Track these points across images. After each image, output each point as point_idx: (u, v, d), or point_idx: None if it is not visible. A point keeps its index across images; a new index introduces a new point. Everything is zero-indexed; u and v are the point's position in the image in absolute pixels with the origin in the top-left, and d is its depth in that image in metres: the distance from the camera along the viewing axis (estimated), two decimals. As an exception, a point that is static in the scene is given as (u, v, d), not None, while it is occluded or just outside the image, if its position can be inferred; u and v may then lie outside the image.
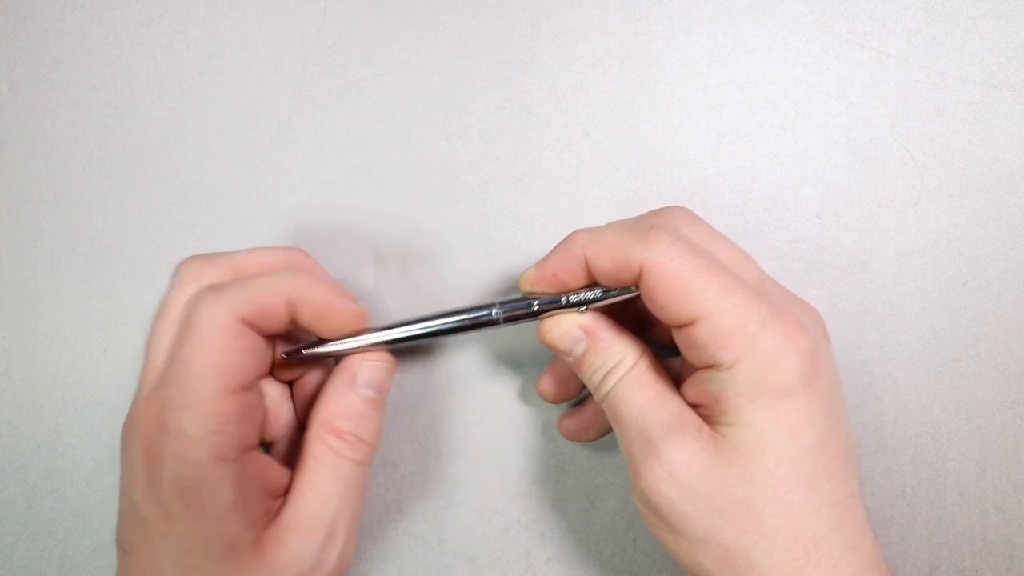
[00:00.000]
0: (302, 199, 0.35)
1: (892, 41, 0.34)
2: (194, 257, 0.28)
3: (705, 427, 0.25)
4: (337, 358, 0.29)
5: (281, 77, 0.35)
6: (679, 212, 0.28)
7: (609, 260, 0.26)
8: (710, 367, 0.25)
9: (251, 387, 0.27)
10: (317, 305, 0.27)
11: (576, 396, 0.33)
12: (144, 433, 0.25)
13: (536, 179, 0.35)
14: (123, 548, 0.26)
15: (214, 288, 0.26)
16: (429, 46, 0.35)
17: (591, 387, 0.28)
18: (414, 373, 0.35)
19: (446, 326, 0.28)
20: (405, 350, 0.34)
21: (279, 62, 0.36)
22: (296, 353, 0.29)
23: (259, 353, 0.27)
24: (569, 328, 0.28)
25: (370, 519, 0.34)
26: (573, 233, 0.27)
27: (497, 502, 0.34)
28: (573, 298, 0.28)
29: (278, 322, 0.27)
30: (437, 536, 0.34)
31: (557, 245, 0.28)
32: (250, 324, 0.26)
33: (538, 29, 0.35)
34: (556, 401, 0.33)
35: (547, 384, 0.32)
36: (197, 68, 0.36)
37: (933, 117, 0.34)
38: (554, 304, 0.28)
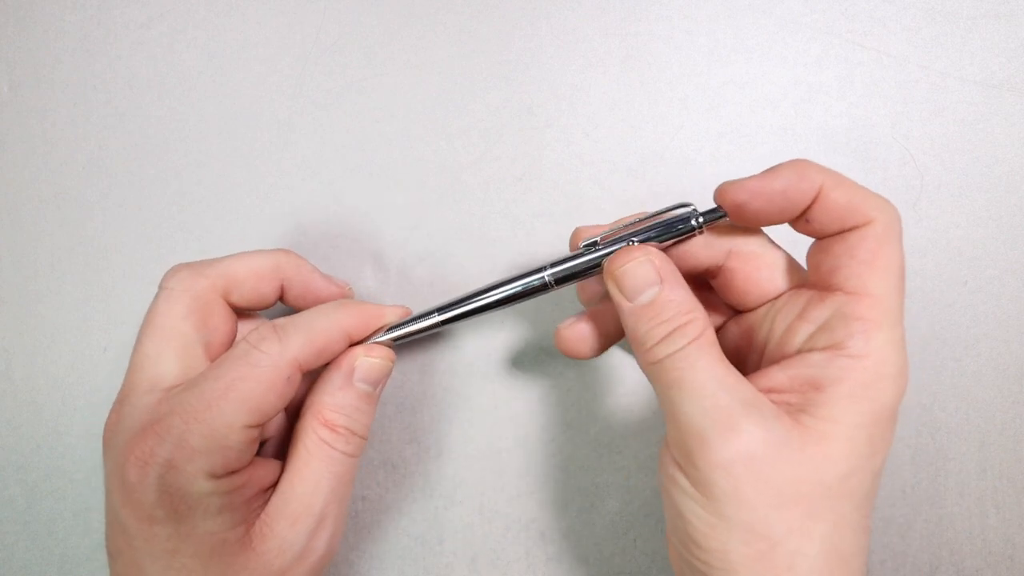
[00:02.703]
0: (302, 199, 0.35)
1: (892, 41, 0.34)
2: (182, 266, 0.28)
3: (784, 415, 0.23)
4: None
5: (281, 77, 0.35)
6: None
7: (847, 197, 0.23)
8: (826, 349, 0.23)
9: None
10: (369, 329, 0.28)
11: (599, 353, 0.29)
12: (131, 436, 0.24)
13: (536, 179, 0.35)
14: (110, 553, 0.25)
15: (278, 328, 0.26)
16: (429, 46, 0.35)
17: (646, 343, 0.24)
18: (414, 373, 0.35)
19: (498, 298, 0.28)
20: (405, 346, 0.34)
21: (279, 62, 0.36)
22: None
23: (297, 387, 0.26)
24: (645, 267, 0.25)
25: (370, 519, 0.34)
26: (796, 161, 0.24)
27: (497, 502, 0.34)
28: (636, 240, 0.26)
29: (331, 356, 0.27)
30: (437, 536, 0.34)
31: (777, 167, 0.24)
32: (304, 367, 0.26)
33: (538, 29, 0.35)
34: (576, 354, 0.29)
35: (576, 332, 0.29)
36: (197, 68, 0.36)
37: (933, 117, 0.34)
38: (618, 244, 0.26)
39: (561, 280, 0.27)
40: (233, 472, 0.25)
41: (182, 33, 0.36)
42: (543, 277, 0.27)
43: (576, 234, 0.28)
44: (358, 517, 0.34)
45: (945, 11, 0.34)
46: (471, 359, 0.34)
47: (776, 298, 0.27)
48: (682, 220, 0.26)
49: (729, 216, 0.25)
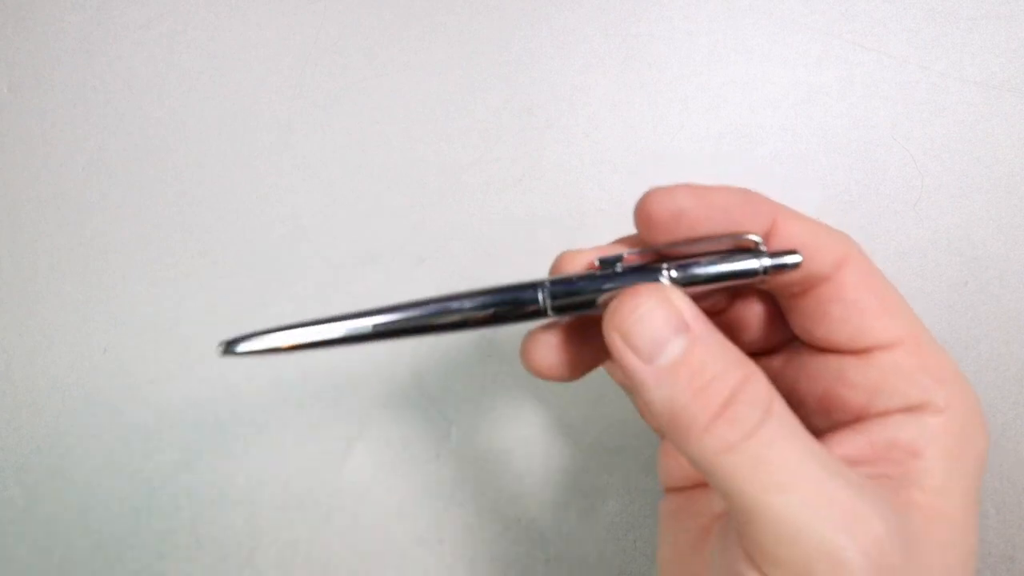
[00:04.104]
0: (302, 199, 0.35)
1: (892, 41, 0.34)
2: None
3: (892, 496, 0.17)
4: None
5: (281, 77, 0.35)
6: None
7: (809, 233, 0.19)
8: (911, 409, 0.18)
9: None
10: None
11: (577, 376, 0.22)
12: None
13: (536, 179, 0.35)
14: None
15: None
16: (429, 46, 0.35)
17: (695, 423, 0.17)
18: (412, 374, 0.35)
19: (457, 317, 0.20)
20: (402, 346, 0.34)
21: (279, 62, 0.36)
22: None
23: None
24: (662, 310, 0.17)
25: (370, 519, 0.34)
26: (732, 186, 0.20)
27: (497, 502, 0.34)
28: (676, 273, 0.18)
29: None
30: (437, 536, 0.34)
31: (726, 187, 0.19)
32: None
33: (538, 29, 0.35)
34: (544, 375, 0.21)
35: (548, 349, 0.21)
36: (197, 68, 0.36)
37: (933, 117, 0.34)
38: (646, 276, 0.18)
39: (562, 308, 0.19)
40: None
41: (182, 34, 0.36)
42: (536, 298, 0.19)
43: (561, 261, 0.21)
44: (358, 517, 0.34)
45: (945, 11, 0.34)
46: (471, 360, 0.34)
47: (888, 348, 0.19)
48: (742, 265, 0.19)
49: (654, 233, 0.19)
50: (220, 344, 0.21)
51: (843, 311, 0.19)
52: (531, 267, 0.28)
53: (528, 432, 0.34)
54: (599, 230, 0.34)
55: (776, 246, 0.19)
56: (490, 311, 0.19)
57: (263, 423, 0.35)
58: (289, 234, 0.35)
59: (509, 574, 0.34)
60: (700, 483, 0.23)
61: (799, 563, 0.15)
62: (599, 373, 0.34)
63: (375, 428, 0.34)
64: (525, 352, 0.21)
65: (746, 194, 0.19)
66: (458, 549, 0.34)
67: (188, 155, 0.35)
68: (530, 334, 0.21)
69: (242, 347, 0.20)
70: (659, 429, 0.24)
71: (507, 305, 0.19)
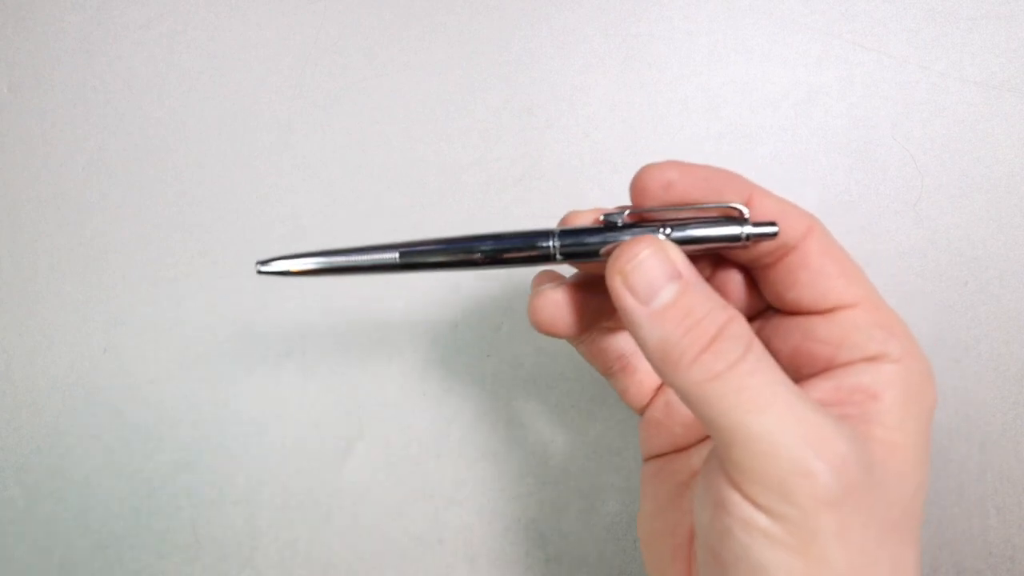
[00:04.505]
0: (302, 199, 0.35)
1: (892, 41, 0.34)
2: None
3: (859, 431, 0.20)
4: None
5: (281, 77, 0.35)
6: None
7: (780, 209, 0.21)
8: (870, 359, 0.21)
9: None
10: None
11: (582, 332, 0.24)
12: None
13: (536, 179, 0.35)
14: None
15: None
16: (429, 47, 0.35)
17: (684, 356, 0.19)
18: (413, 373, 0.35)
19: (485, 249, 0.22)
20: (401, 346, 0.34)
21: (279, 62, 0.36)
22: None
23: None
24: (659, 257, 0.20)
25: (370, 519, 0.34)
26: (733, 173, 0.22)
27: (497, 502, 0.34)
28: (671, 231, 0.21)
29: None
30: (437, 536, 0.34)
31: (709, 165, 0.22)
32: None
33: (538, 29, 0.35)
34: (551, 330, 0.23)
35: (554, 306, 0.23)
36: (197, 68, 0.36)
37: (933, 117, 0.34)
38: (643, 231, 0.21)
39: (569, 255, 0.22)
40: None
41: (182, 34, 0.36)
42: (549, 244, 0.22)
43: (568, 218, 0.23)
44: (358, 517, 0.34)
45: (945, 11, 0.34)
46: (471, 360, 0.34)
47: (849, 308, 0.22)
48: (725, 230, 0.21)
49: (648, 202, 0.22)
50: (256, 263, 0.23)
51: (809, 277, 0.21)
52: (531, 267, 0.28)
53: (528, 432, 0.34)
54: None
55: (753, 219, 0.21)
56: (506, 251, 0.22)
57: (263, 423, 0.35)
58: (289, 234, 0.35)
59: (509, 574, 0.34)
60: (679, 448, 0.26)
61: (774, 476, 0.18)
62: (599, 377, 0.34)
63: (375, 428, 0.34)
64: (533, 308, 0.23)
65: (727, 172, 0.22)
66: (458, 549, 0.34)
67: (188, 155, 0.35)
68: (537, 291, 0.23)
69: (274, 266, 0.22)
70: (638, 405, 0.27)
71: (522, 248, 0.22)
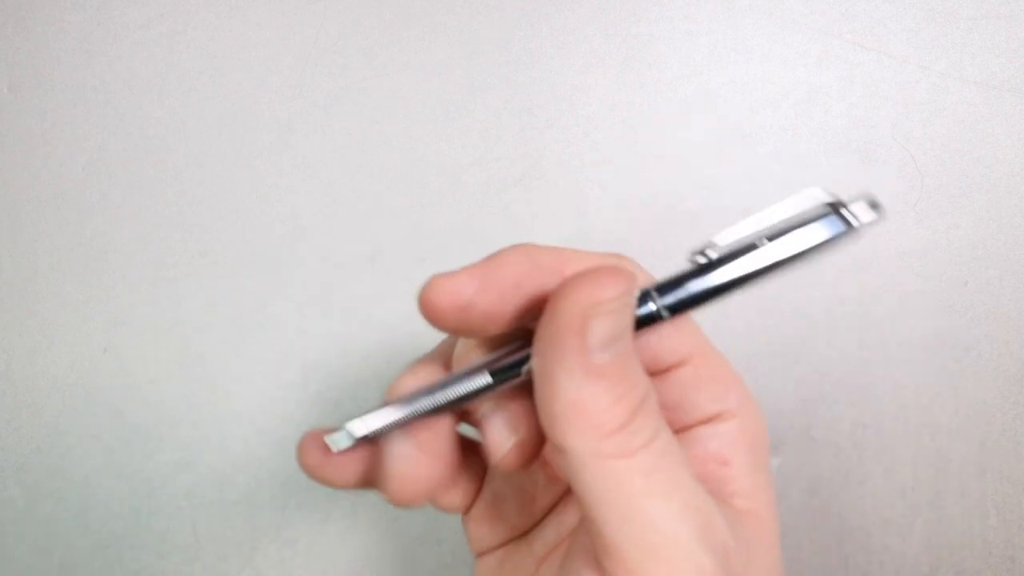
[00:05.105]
0: (302, 199, 0.35)
1: (892, 41, 0.34)
2: None
3: (731, 509, 0.19)
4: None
5: (281, 77, 0.35)
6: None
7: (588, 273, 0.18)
8: (711, 419, 0.19)
9: None
10: None
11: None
12: None
13: (536, 179, 0.35)
14: None
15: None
16: (429, 47, 0.35)
17: (605, 424, 0.16)
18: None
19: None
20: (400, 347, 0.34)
21: (279, 62, 0.36)
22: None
23: None
24: (628, 311, 0.17)
25: (370, 519, 0.34)
26: (515, 248, 0.19)
27: (497, 502, 0.34)
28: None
29: None
30: (437, 536, 0.34)
31: (496, 255, 0.18)
32: None
33: (538, 29, 0.35)
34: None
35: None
36: (197, 68, 0.36)
37: (933, 117, 0.34)
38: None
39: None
40: None
41: (182, 34, 0.36)
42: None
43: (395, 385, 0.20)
44: (357, 518, 0.34)
45: (945, 11, 0.34)
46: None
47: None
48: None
49: (444, 326, 0.18)
50: (327, 439, 0.20)
51: (638, 338, 0.18)
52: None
53: (528, 432, 0.34)
54: (599, 230, 0.34)
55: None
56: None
57: (263, 423, 0.35)
58: (289, 234, 0.35)
59: (509, 574, 0.34)
60: (513, 538, 0.23)
61: (663, 569, 0.16)
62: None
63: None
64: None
65: (530, 258, 0.18)
66: (458, 549, 0.34)
67: (188, 155, 0.36)
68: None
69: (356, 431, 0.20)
70: (461, 509, 0.23)
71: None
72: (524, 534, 0.23)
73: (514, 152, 0.35)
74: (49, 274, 0.35)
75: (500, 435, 0.19)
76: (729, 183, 0.34)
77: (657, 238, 0.33)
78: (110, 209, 0.35)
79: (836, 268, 0.34)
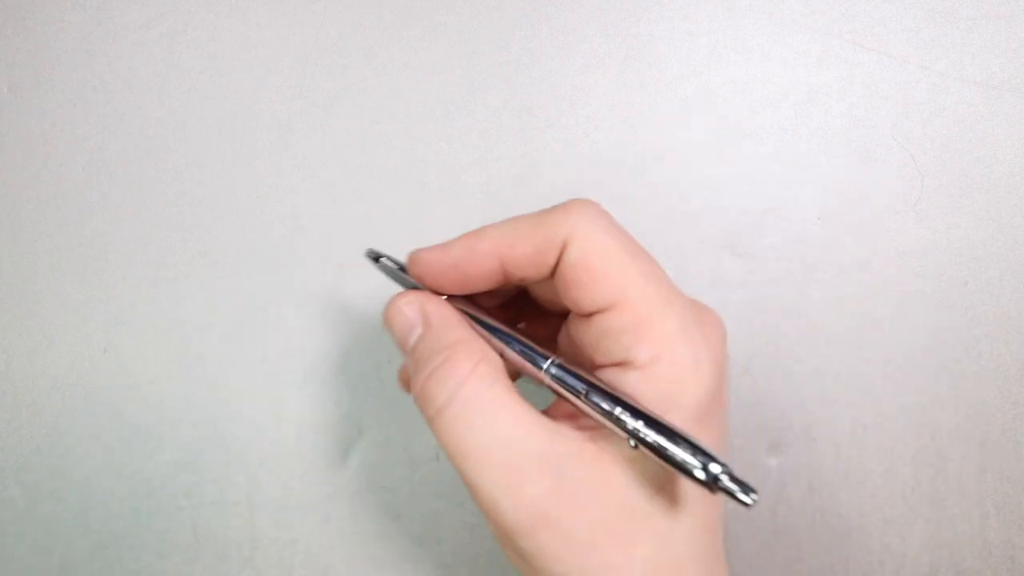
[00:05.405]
0: (302, 199, 0.35)
1: (892, 41, 0.34)
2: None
3: (589, 449, 0.21)
4: None
5: (281, 77, 0.35)
6: (589, 201, 0.23)
7: (530, 242, 0.22)
8: (618, 364, 0.21)
9: None
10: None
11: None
12: None
13: (536, 179, 0.35)
14: None
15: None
16: (429, 47, 0.35)
17: (413, 390, 0.22)
18: (414, 373, 0.35)
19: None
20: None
21: (279, 62, 0.36)
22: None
23: None
24: (407, 310, 0.23)
25: (370, 519, 0.34)
26: (482, 228, 0.24)
27: (497, 502, 0.34)
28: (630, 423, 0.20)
29: None
30: (437, 536, 0.34)
31: (463, 235, 0.24)
32: None
33: (538, 29, 0.35)
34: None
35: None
36: (197, 68, 0.36)
37: (933, 117, 0.34)
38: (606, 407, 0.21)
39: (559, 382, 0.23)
40: None
41: (182, 34, 0.36)
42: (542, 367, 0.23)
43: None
44: (357, 518, 0.34)
45: (945, 11, 0.34)
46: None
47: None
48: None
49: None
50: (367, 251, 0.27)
51: (563, 286, 0.22)
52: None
53: (528, 432, 0.34)
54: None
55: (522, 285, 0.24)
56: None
57: (263, 423, 0.35)
58: (289, 234, 0.35)
59: (509, 574, 0.34)
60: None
61: (485, 488, 0.20)
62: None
63: (375, 428, 0.34)
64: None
65: (468, 243, 0.24)
66: (458, 549, 0.34)
67: (188, 155, 0.36)
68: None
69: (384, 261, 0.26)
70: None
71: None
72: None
73: (514, 152, 0.35)
74: (49, 274, 0.35)
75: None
76: (729, 183, 0.34)
77: (657, 238, 0.33)
78: (110, 209, 0.35)
79: (836, 268, 0.34)
